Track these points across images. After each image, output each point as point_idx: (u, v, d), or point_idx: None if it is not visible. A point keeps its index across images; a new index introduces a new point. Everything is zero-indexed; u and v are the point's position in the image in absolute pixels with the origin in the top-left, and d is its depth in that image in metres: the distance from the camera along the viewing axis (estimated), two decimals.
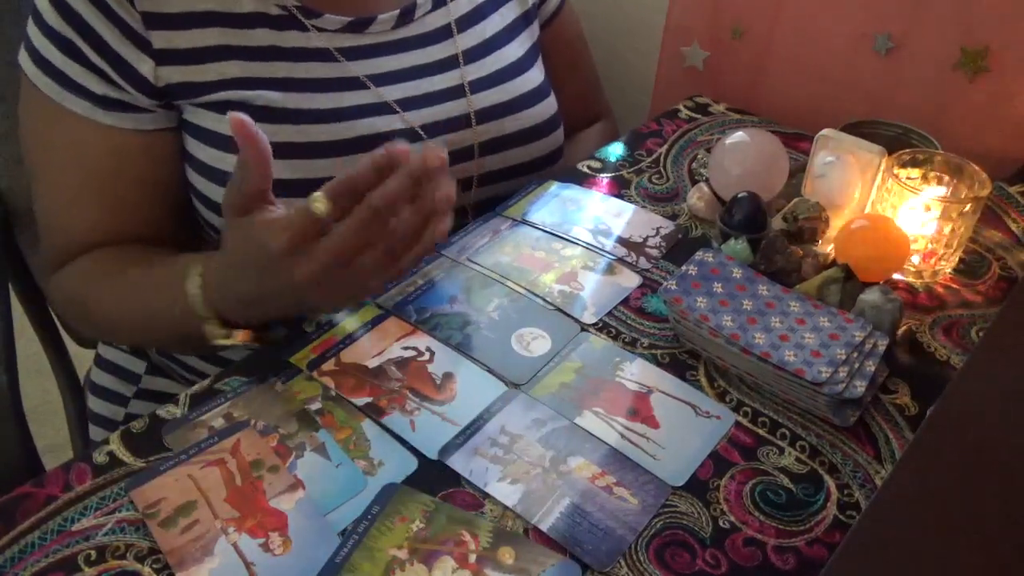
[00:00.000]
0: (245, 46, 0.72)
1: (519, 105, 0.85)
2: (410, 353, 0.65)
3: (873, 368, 0.61)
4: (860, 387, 0.59)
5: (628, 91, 1.25)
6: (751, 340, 0.62)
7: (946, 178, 0.75)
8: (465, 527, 0.53)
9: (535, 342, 0.66)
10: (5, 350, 0.82)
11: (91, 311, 0.73)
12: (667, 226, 0.81)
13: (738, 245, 0.70)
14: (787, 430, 0.61)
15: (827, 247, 0.74)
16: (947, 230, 0.72)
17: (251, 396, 0.61)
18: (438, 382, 0.63)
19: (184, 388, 0.62)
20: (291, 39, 0.74)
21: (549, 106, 0.88)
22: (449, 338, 0.66)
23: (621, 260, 0.76)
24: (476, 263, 0.74)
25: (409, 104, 0.78)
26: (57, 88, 0.69)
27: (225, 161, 0.72)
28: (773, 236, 0.69)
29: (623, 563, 0.51)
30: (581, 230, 0.79)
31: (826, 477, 0.57)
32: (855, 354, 0.61)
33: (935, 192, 0.75)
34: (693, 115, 1.00)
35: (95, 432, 0.92)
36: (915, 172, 0.76)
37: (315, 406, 0.61)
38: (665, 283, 0.67)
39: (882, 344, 0.62)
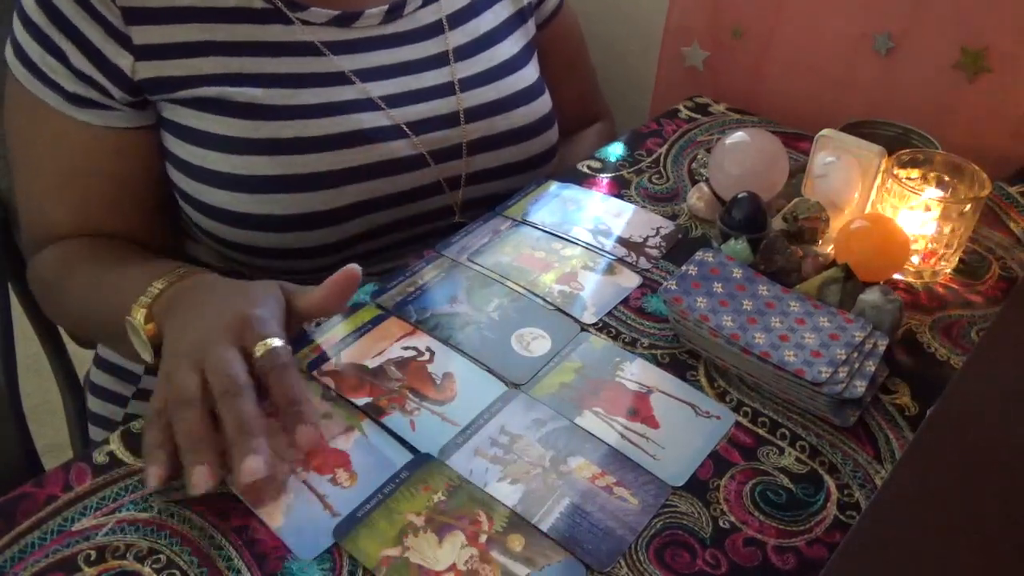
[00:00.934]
0: (226, 41, 0.72)
1: (511, 104, 0.84)
2: (410, 353, 0.65)
3: (873, 368, 0.61)
4: (860, 387, 0.59)
5: (628, 91, 1.25)
6: (751, 340, 0.62)
7: (946, 178, 0.75)
8: (483, 508, 0.54)
9: (535, 342, 0.66)
10: (5, 350, 0.82)
11: (57, 297, 0.74)
12: (667, 226, 0.81)
13: (738, 245, 0.70)
14: (787, 430, 0.61)
15: (827, 247, 0.74)
16: (947, 230, 0.72)
17: None
18: (438, 382, 0.63)
19: None
20: (274, 33, 0.73)
21: (542, 105, 0.87)
22: (449, 338, 0.66)
23: (621, 260, 0.76)
24: (476, 263, 0.74)
25: (395, 100, 0.78)
26: (35, 81, 0.70)
27: (205, 158, 0.72)
28: (773, 236, 0.69)
29: (623, 563, 0.51)
30: (581, 230, 0.79)
31: (826, 477, 0.57)
32: (855, 354, 0.61)
33: (935, 192, 0.75)
34: (693, 115, 1.00)
35: (95, 432, 0.92)
36: (915, 172, 0.76)
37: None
38: (665, 283, 0.67)
39: (882, 344, 0.62)
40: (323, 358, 0.64)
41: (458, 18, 0.84)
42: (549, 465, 0.57)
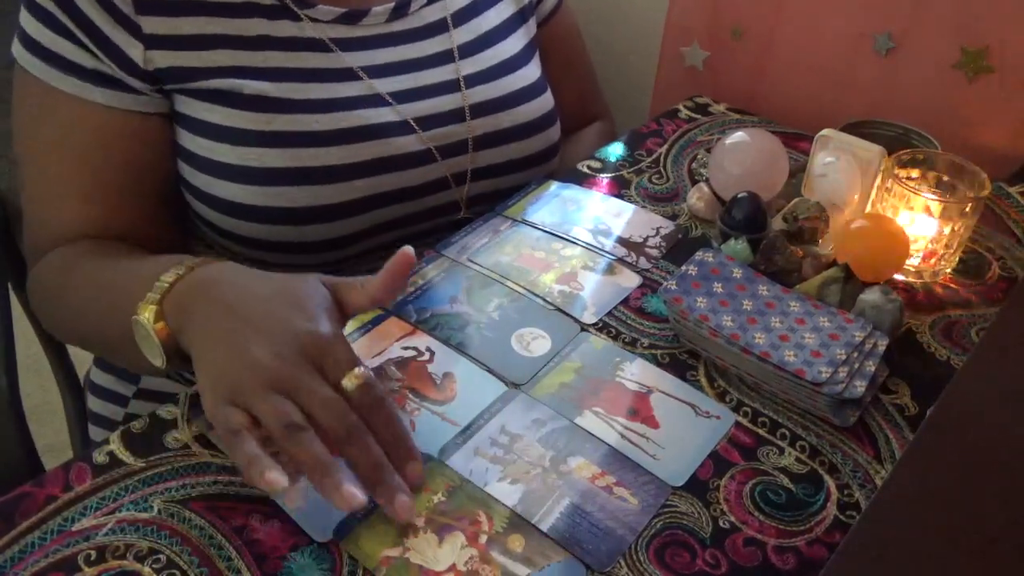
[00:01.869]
0: (237, 35, 0.72)
1: (514, 101, 0.85)
2: (410, 353, 0.65)
3: (873, 368, 0.61)
4: (860, 387, 0.59)
5: (628, 91, 1.25)
6: (751, 340, 0.62)
7: (946, 178, 0.75)
8: (483, 508, 0.54)
9: (535, 342, 0.66)
10: (5, 350, 0.82)
11: (56, 302, 0.71)
12: (667, 226, 0.81)
13: (738, 245, 0.70)
14: (787, 430, 0.61)
15: (827, 247, 0.74)
16: (947, 230, 0.72)
17: None
18: (438, 382, 0.63)
19: (184, 388, 0.62)
20: (284, 28, 0.74)
21: (545, 102, 0.88)
22: (449, 338, 0.66)
23: (621, 260, 0.76)
24: (476, 263, 0.74)
25: (403, 97, 0.78)
26: (46, 68, 0.69)
27: (215, 150, 0.72)
28: (773, 236, 0.69)
29: (623, 563, 0.51)
30: (581, 230, 0.79)
31: (826, 477, 0.57)
32: (855, 354, 0.61)
33: (935, 192, 0.75)
34: (693, 115, 1.00)
35: (95, 432, 0.92)
36: (915, 172, 0.76)
37: None
38: (665, 283, 0.67)
39: (882, 344, 0.62)
40: None
41: (462, 16, 0.84)
42: (549, 465, 0.57)
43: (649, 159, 0.91)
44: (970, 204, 0.71)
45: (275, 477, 0.47)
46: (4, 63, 0.82)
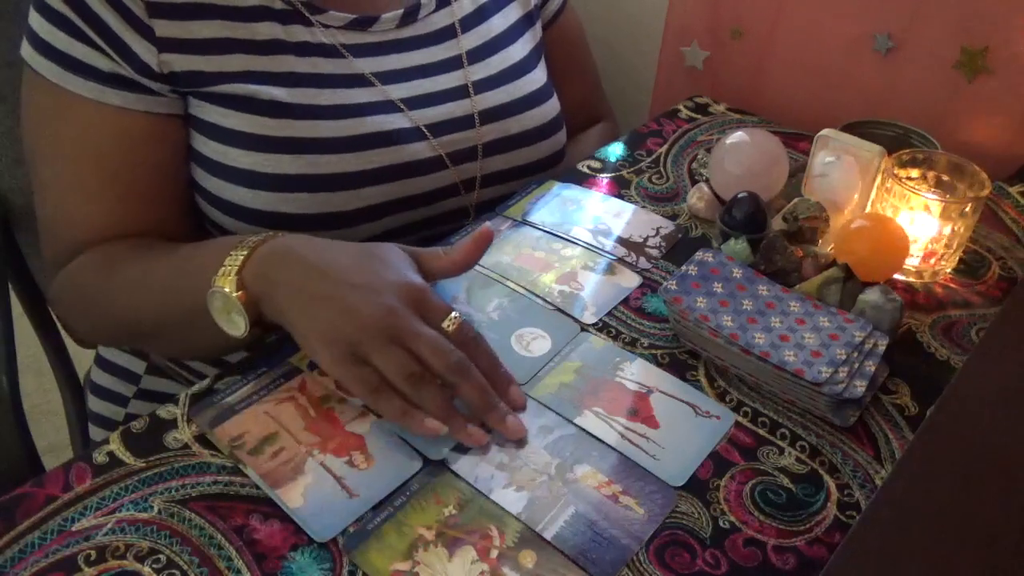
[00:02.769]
0: (250, 40, 0.72)
1: (523, 106, 0.85)
2: None
3: (873, 368, 0.61)
4: (860, 387, 0.59)
5: (628, 91, 1.25)
6: (751, 340, 0.62)
7: (946, 178, 0.75)
8: (495, 522, 0.53)
9: (535, 342, 0.66)
10: (5, 350, 0.82)
11: (101, 300, 0.71)
12: (667, 226, 0.81)
13: (738, 245, 0.70)
14: (787, 430, 0.61)
15: (827, 247, 0.74)
16: (947, 230, 0.72)
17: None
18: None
19: (184, 388, 0.62)
20: (295, 34, 0.74)
21: (552, 107, 0.88)
22: None
23: (621, 260, 0.76)
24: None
25: (414, 103, 0.78)
26: (61, 71, 0.68)
27: (228, 155, 0.72)
28: (773, 236, 0.69)
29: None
30: (581, 230, 0.79)
31: (826, 477, 0.57)
32: (855, 354, 0.61)
33: (935, 192, 0.75)
34: (693, 115, 1.00)
35: (95, 432, 0.92)
36: (915, 172, 0.76)
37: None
38: (665, 283, 0.67)
39: (882, 344, 0.62)
40: None
41: (469, 22, 0.85)
42: (555, 473, 0.56)
43: (649, 159, 0.91)
44: (970, 204, 0.71)
45: (435, 425, 0.56)
46: (2, 62, 0.82)
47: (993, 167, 0.76)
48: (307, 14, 0.75)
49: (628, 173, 0.89)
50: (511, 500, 0.54)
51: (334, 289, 0.58)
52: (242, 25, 0.72)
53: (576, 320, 0.69)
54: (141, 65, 0.69)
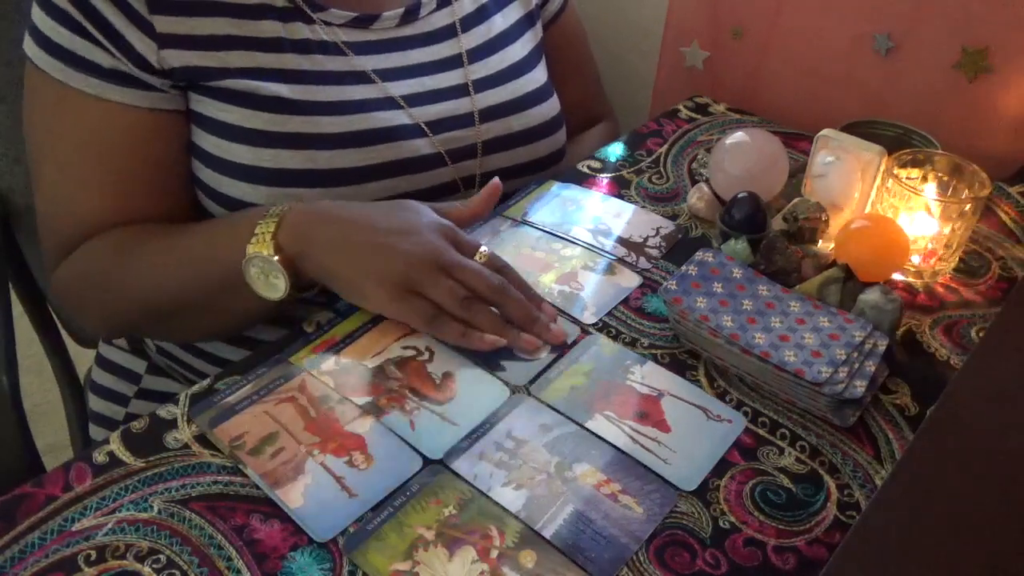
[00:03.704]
0: (251, 36, 0.72)
1: (523, 104, 0.85)
2: (410, 352, 0.65)
3: (873, 368, 0.61)
4: (860, 387, 0.59)
5: (628, 91, 1.25)
6: (751, 340, 0.62)
7: (946, 178, 0.75)
8: (495, 523, 0.53)
9: None
10: (5, 350, 0.82)
11: (117, 282, 0.71)
12: (667, 226, 0.81)
13: (738, 245, 0.70)
14: (787, 430, 0.61)
15: (827, 247, 0.74)
16: (947, 230, 0.72)
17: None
18: (437, 381, 0.63)
19: (184, 388, 0.62)
20: (297, 31, 0.74)
21: (552, 106, 0.88)
22: None
23: (621, 260, 0.76)
24: None
25: (415, 100, 0.79)
26: (64, 68, 0.68)
27: (229, 150, 0.72)
28: (773, 236, 0.69)
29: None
30: (581, 230, 0.79)
31: (826, 477, 0.57)
32: (855, 354, 0.61)
33: (935, 192, 0.75)
34: (693, 115, 1.00)
35: (95, 432, 0.92)
36: (915, 172, 0.76)
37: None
38: (665, 283, 0.67)
39: (882, 344, 0.62)
40: (323, 358, 0.64)
41: (470, 21, 0.85)
42: (554, 471, 0.56)
43: (649, 159, 0.91)
44: (970, 204, 0.71)
45: (493, 339, 0.64)
46: (2, 62, 0.82)
47: (993, 167, 0.75)
48: (308, 11, 0.75)
49: (628, 173, 0.89)
50: (510, 498, 0.54)
51: (377, 236, 0.64)
52: (244, 22, 0.72)
53: (576, 321, 0.69)
54: (141, 61, 0.69)
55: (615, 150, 0.93)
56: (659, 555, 0.52)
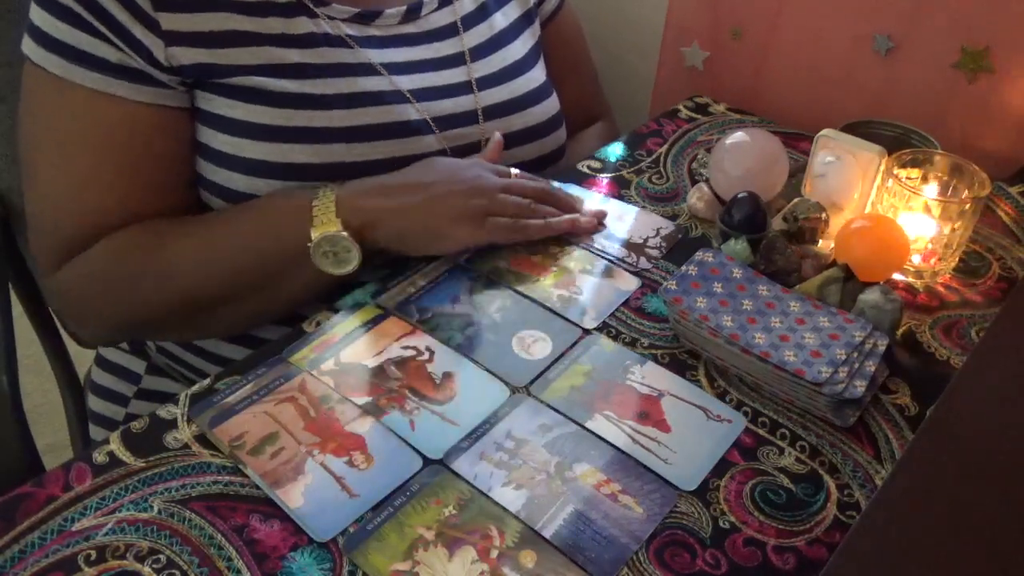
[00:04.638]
0: (256, 32, 0.72)
1: (524, 103, 0.85)
2: (409, 352, 0.65)
3: (873, 368, 0.61)
4: (860, 387, 0.59)
5: (628, 91, 1.25)
6: (751, 340, 0.62)
7: (946, 178, 0.75)
8: (495, 522, 0.53)
9: (535, 345, 0.66)
10: (5, 350, 0.82)
11: (148, 285, 0.71)
12: (667, 226, 0.81)
13: (738, 245, 0.70)
14: (787, 430, 0.61)
15: (827, 247, 0.74)
16: (947, 230, 0.72)
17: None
18: (437, 382, 0.63)
19: (184, 388, 0.62)
20: (301, 26, 0.74)
21: (552, 105, 0.88)
22: (449, 339, 0.66)
23: (621, 261, 0.76)
24: (473, 267, 0.74)
25: (422, 95, 0.79)
26: (65, 64, 0.68)
27: (237, 146, 0.72)
28: (773, 236, 0.69)
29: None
30: None
31: (826, 477, 0.57)
32: (855, 354, 0.61)
33: (935, 192, 0.75)
34: (693, 115, 1.00)
35: (95, 432, 0.92)
36: (915, 172, 0.76)
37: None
38: (665, 283, 0.67)
39: (882, 344, 0.62)
40: (323, 358, 0.64)
41: (471, 20, 0.85)
42: (554, 471, 0.56)
43: (649, 159, 0.91)
44: (970, 204, 0.71)
45: (569, 218, 0.77)
46: (2, 62, 0.82)
47: (993, 167, 0.76)
48: (312, 6, 0.75)
49: (628, 173, 0.89)
50: (510, 498, 0.55)
51: (432, 188, 0.71)
52: (249, 18, 0.72)
53: (576, 325, 0.69)
54: (150, 57, 0.69)
55: (615, 150, 0.93)
56: (659, 555, 0.52)
